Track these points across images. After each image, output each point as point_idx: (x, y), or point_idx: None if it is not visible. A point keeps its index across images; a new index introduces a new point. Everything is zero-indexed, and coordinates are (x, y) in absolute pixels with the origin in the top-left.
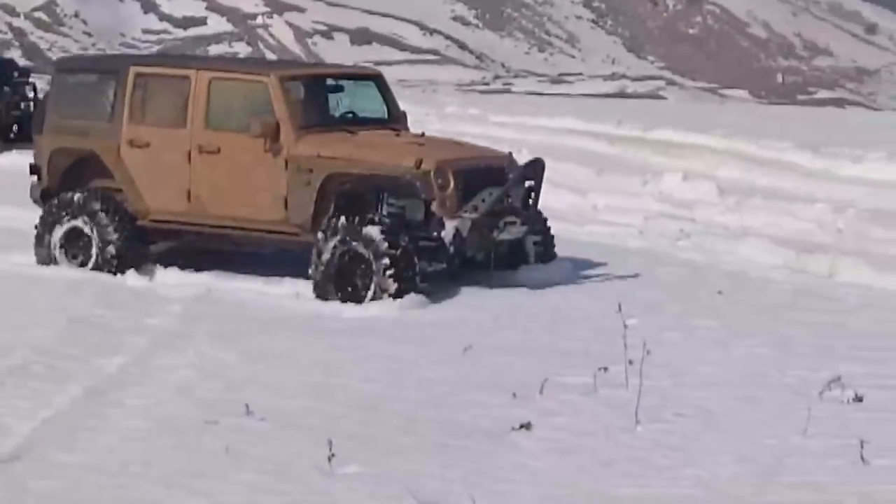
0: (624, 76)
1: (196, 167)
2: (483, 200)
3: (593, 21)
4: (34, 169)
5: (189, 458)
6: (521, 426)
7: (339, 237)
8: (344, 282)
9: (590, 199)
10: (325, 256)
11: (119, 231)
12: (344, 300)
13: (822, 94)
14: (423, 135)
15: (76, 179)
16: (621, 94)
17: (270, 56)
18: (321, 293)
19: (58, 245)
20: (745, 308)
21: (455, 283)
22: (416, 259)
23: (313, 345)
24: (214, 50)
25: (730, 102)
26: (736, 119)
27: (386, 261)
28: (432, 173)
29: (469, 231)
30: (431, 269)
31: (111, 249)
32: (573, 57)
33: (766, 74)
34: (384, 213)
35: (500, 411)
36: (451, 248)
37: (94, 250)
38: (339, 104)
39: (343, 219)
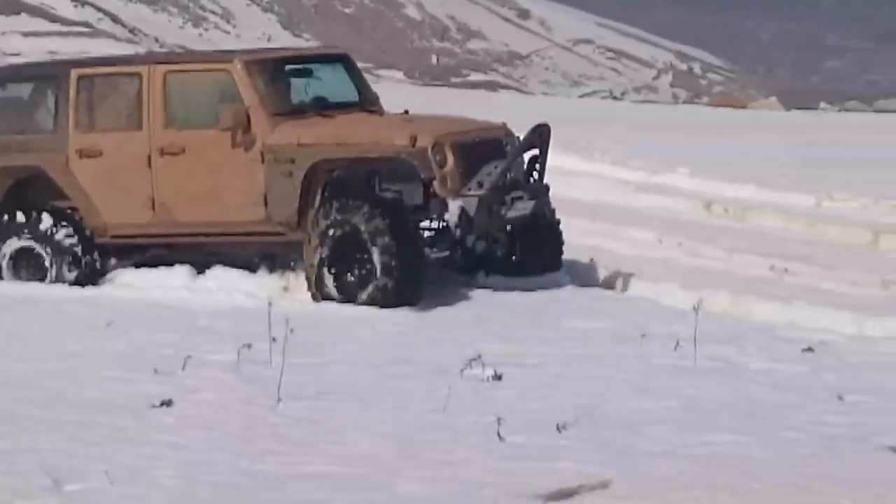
0: None
1: (158, 172)
2: (488, 175)
3: None
4: None
5: None
6: (163, 403)
7: (331, 219)
8: (340, 273)
9: None
10: (317, 247)
11: (76, 252)
12: (341, 295)
13: (476, 76)
14: (407, 112)
15: (21, 201)
16: None
17: None
18: (317, 290)
19: (8, 268)
20: None
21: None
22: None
23: None
24: None
25: (384, 82)
26: (388, 99)
27: (392, 246)
28: (429, 150)
29: (476, 210)
30: (435, 256)
31: (67, 267)
32: (228, 33)
33: (420, 55)
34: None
35: (141, 387)
36: (457, 231)
37: (50, 272)
38: (308, 89)
39: (336, 202)
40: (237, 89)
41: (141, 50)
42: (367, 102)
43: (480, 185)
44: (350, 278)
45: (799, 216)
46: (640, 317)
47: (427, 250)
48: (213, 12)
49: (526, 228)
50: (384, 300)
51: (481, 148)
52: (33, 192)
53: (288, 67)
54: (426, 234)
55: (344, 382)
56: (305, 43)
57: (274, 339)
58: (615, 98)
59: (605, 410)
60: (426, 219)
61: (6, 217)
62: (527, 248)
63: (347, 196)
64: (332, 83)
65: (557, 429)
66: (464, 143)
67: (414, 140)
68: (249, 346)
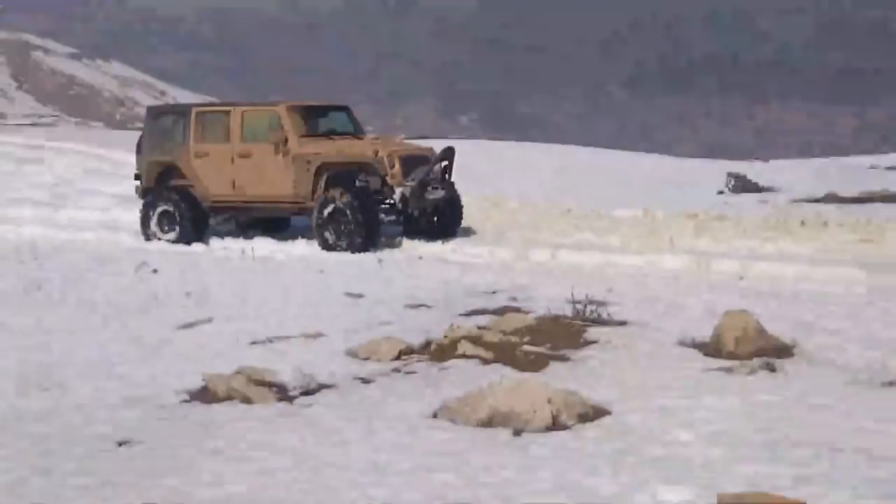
0: None
1: (237, 167)
2: (417, 174)
3: None
4: (138, 176)
5: None
6: None
7: (328, 202)
8: (333, 231)
9: None
10: (320, 215)
11: (192, 211)
12: (334, 243)
13: None
14: (378, 138)
15: (163, 180)
16: None
17: None
18: (320, 239)
19: (155, 223)
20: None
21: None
22: (378, 215)
23: None
24: None
25: None
26: None
27: (359, 216)
28: (385, 159)
29: (410, 194)
30: (387, 220)
31: (188, 223)
32: None
33: None
34: (356, 185)
35: None
36: (399, 206)
37: (177, 225)
38: (323, 124)
39: (332, 190)
40: (281, 122)
41: None
42: (357, 132)
43: (413, 180)
44: (336, 233)
45: None
46: None
47: (383, 216)
48: None
49: (442, 206)
50: (355, 248)
51: (415, 159)
52: (170, 176)
53: (312, 111)
54: (383, 207)
55: None
56: None
57: None
58: None
59: None
60: (384, 198)
61: (157, 190)
62: (441, 219)
63: (338, 184)
64: (338, 121)
65: None
66: (405, 155)
67: (376, 153)
68: None
